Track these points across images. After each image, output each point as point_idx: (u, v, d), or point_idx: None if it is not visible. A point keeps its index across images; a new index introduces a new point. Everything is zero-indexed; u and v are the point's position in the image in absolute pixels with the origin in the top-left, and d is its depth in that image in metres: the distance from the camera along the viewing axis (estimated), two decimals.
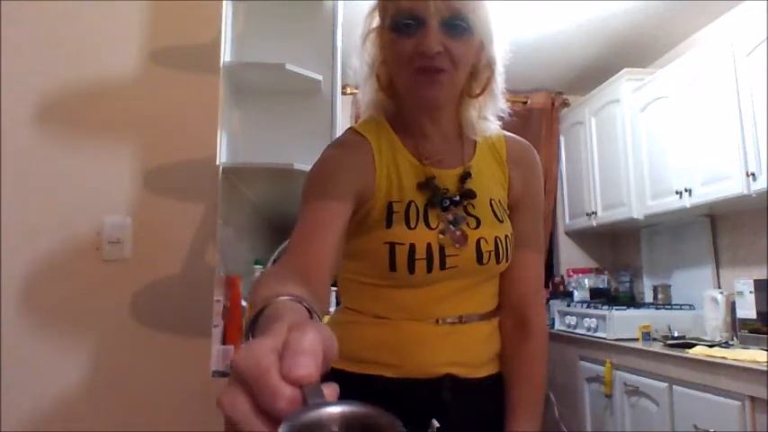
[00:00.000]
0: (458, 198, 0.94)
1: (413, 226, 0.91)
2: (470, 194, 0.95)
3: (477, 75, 0.95)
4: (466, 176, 0.97)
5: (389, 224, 0.91)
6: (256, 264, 1.87)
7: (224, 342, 1.64)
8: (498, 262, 0.95)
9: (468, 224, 0.93)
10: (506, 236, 0.96)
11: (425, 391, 0.91)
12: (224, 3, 1.70)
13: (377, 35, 0.96)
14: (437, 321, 0.94)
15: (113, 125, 1.59)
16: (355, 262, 0.96)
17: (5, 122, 1.54)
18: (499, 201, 0.99)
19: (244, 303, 1.72)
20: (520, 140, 1.06)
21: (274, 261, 1.99)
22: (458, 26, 0.87)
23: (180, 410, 1.50)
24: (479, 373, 0.96)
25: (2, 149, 1.52)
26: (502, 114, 1.01)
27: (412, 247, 0.89)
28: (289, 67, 1.78)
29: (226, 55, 1.74)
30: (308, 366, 0.37)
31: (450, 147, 0.99)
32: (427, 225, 0.91)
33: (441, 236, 0.91)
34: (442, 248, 0.91)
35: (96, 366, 1.50)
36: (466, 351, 0.95)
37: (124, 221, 1.55)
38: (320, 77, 1.86)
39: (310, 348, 0.38)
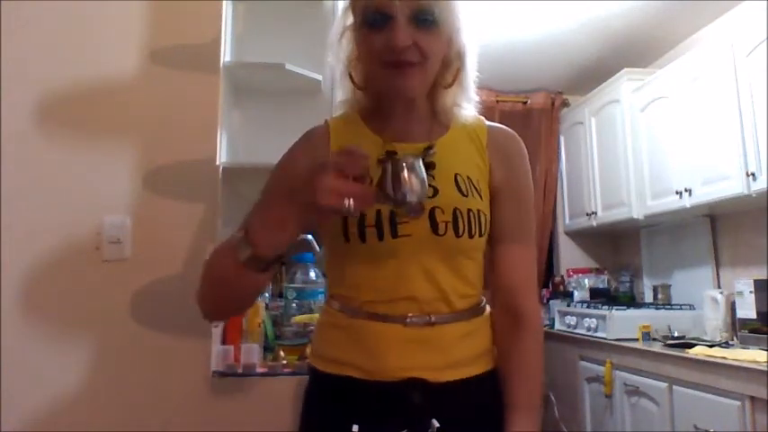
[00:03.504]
0: None
1: None
2: (430, 166, 0.92)
3: (448, 65, 0.96)
4: (429, 149, 0.96)
5: None
6: None
7: (224, 342, 1.64)
8: (458, 235, 0.92)
9: None
10: (469, 210, 0.93)
11: (395, 393, 0.91)
12: (224, 3, 1.70)
13: (351, 32, 0.97)
14: (405, 323, 0.92)
15: (113, 125, 1.59)
16: (327, 239, 0.99)
17: (5, 122, 1.54)
18: (468, 177, 0.96)
19: None
20: (504, 129, 1.05)
21: None
22: (426, 20, 0.87)
23: (180, 410, 1.50)
24: (455, 375, 0.93)
25: (2, 149, 1.52)
26: (473, 104, 1.01)
27: (362, 214, 0.90)
28: (289, 66, 1.78)
29: (226, 55, 1.73)
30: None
31: (419, 126, 0.99)
32: None
33: None
34: (392, 215, 0.90)
35: (96, 366, 1.50)
36: (435, 355, 0.93)
37: (124, 221, 1.55)
38: (320, 77, 1.86)
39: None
